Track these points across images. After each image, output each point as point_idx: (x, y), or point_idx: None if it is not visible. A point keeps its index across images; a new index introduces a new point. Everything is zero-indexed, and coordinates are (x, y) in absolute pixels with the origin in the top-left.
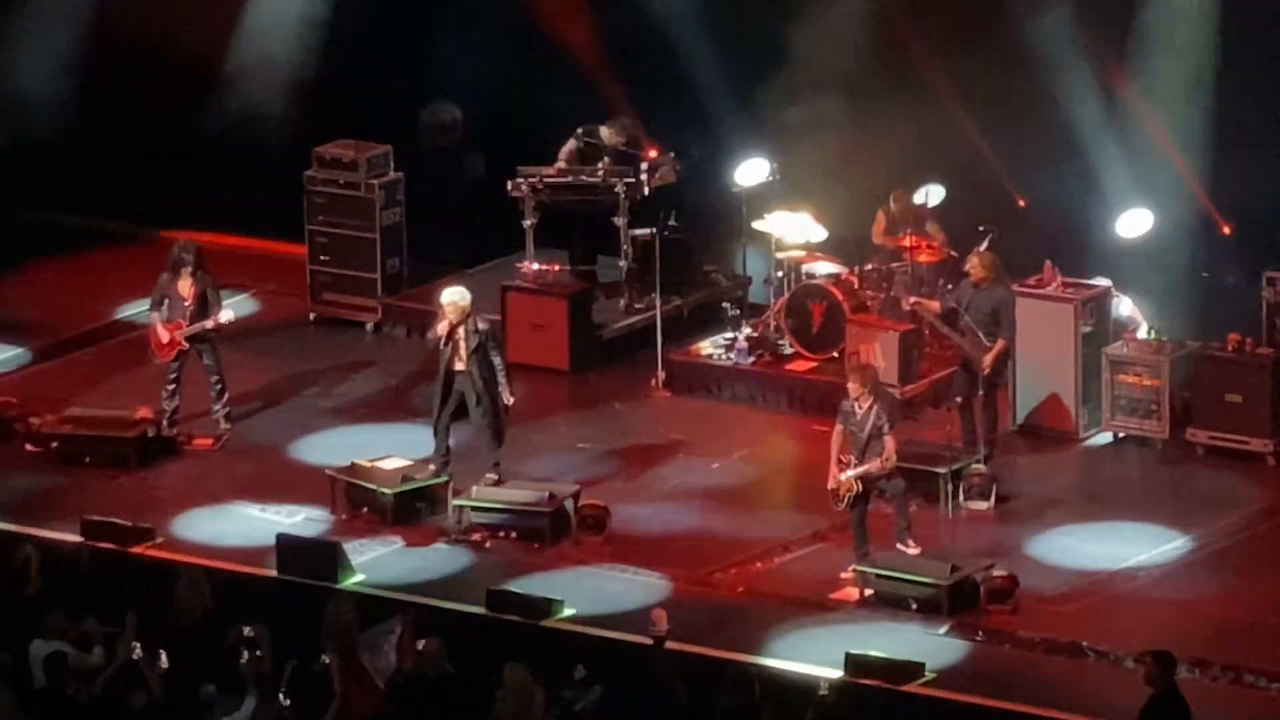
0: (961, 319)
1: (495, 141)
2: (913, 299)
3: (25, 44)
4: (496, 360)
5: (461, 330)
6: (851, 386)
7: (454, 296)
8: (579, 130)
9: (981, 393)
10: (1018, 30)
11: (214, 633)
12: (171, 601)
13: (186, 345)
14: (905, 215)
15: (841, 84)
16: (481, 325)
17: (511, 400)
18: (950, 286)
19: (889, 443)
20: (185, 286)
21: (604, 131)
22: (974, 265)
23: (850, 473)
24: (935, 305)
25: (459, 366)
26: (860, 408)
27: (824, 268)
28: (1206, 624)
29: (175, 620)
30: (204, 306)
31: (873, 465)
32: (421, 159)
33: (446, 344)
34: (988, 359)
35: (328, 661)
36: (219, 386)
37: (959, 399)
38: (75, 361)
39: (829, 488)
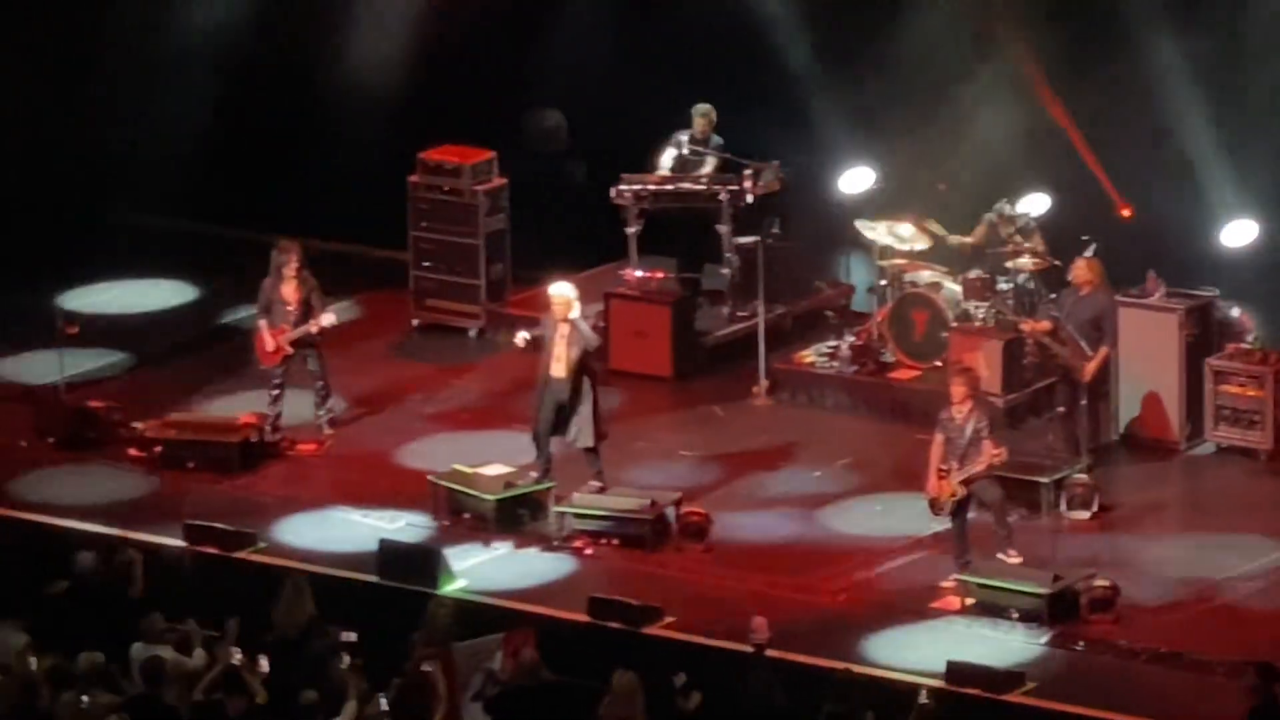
0: (1063, 329)
1: (598, 147)
2: (1026, 326)
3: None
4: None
5: (565, 330)
6: (955, 390)
7: (561, 288)
8: (681, 138)
9: (1083, 402)
10: (1124, 40)
11: (314, 638)
12: (273, 607)
13: (291, 351)
14: (1009, 224)
15: (946, 93)
16: (593, 336)
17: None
18: (1054, 297)
19: (986, 446)
20: (289, 290)
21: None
22: (1079, 270)
23: (955, 477)
24: (1046, 326)
25: (556, 373)
26: (960, 414)
27: (927, 276)
28: None
29: (276, 626)
30: (308, 312)
31: (977, 467)
32: (525, 165)
33: (545, 345)
34: (1090, 367)
35: (429, 669)
36: (323, 391)
37: (1061, 408)
38: (179, 366)
39: (929, 496)
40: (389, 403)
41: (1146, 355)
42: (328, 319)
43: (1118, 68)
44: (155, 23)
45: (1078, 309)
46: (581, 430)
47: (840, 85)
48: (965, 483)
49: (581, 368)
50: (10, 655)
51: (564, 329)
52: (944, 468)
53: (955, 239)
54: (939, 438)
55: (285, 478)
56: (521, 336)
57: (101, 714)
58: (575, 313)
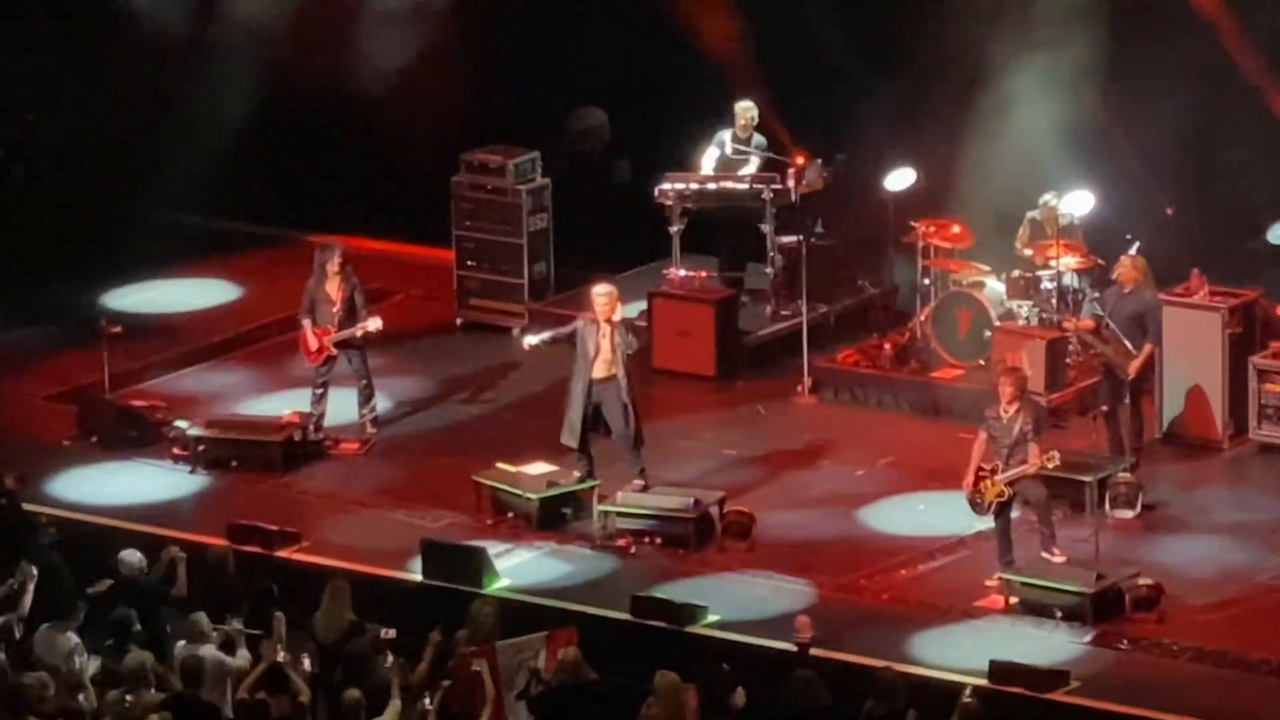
0: (1106, 326)
1: (642, 147)
2: (1070, 324)
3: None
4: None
5: (607, 330)
6: (1004, 390)
7: (606, 289)
8: (724, 137)
9: (1127, 400)
10: (1164, 37)
11: (357, 637)
12: (316, 607)
13: (335, 351)
14: (1051, 223)
15: (988, 91)
16: (633, 340)
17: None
18: (1097, 295)
19: (1033, 448)
20: (333, 289)
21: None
22: (1124, 268)
23: (1000, 477)
24: (1089, 324)
25: (601, 373)
26: (1006, 414)
27: (971, 275)
28: None
29: (317, 629)
30: (352, 310)
31: (1023, 469)
32: (569, 164)
33: (581, 346)
34: (1133, 365)
35: (476, 669)
36: (366, 391)
37: (1104, 407)
38: (222, 365)
39: (967, 495)
40: (432, 402)
41: (1190, 353)
42: (374, 324)
43: (1160, 63)
44: (198, 19)
45: (1121, 306)
46: (627, 428)
47: (884, 84)
48: (1009, 483)
49: (623, 369)
50: (60, 657)
51: (606, 329)
52: (986, 467)
53: (1024, 250)
54: (982, 436)
55: (328, 477)
56: (529, 340)
57: (142, 714)
58: (619, 314)
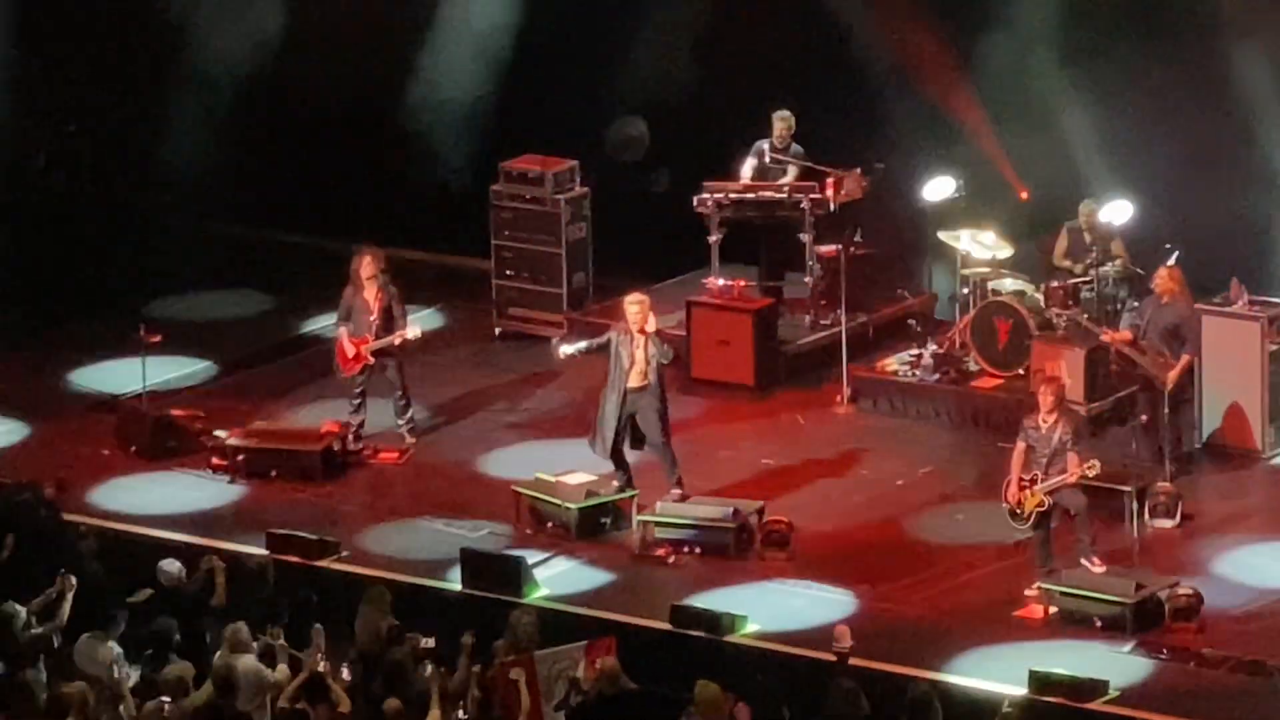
0: (1142, 337)
1: (681, 156)
2: (1106, 335)
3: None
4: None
5: (641, 341)
6: (1043, 400)
7: (639, 299)
8: (762, 146)
9: (1165, 410)
10: (1209, 45)
11: (397, 644)
12: (354, 618)
13: (371, 360)
14: (1091, 232)
15: (1027, 99)
16: (668, 349)
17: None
18: (1135, 304)
19: (1073, 458)
20: (370, 297)
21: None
22: (1161, 278)
23: (1040, 487)
24: (1127, 335)
25: (635, 383)
26: (1045, 423)
27: (1010, 284)
28: None
29: (357, 637)
30: (389, 319)
31: (1064, 479)
32: (608, 173)
33: (615, 357)
34: (1170, 376)
35: (514, 678)
36: (403, 401)
37: (1144, 417)
38: (261, 375)
39: (1007, 505)
40: (471, 411)
41: (1229, 363)
42: (413, 332)
43: (1201, 72)
44: (237, 28)
45: (1158, 317)
46: (665, 439)
47: (922, 92)
48: (1049, 493)
49: (657, 379)
50: (99, 667)
51: (639, 339)
52: (1025, 477)
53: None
54: (1021, 445)
55: (367, 486)
56: (564, 350)
57: None
58: (652, 325)
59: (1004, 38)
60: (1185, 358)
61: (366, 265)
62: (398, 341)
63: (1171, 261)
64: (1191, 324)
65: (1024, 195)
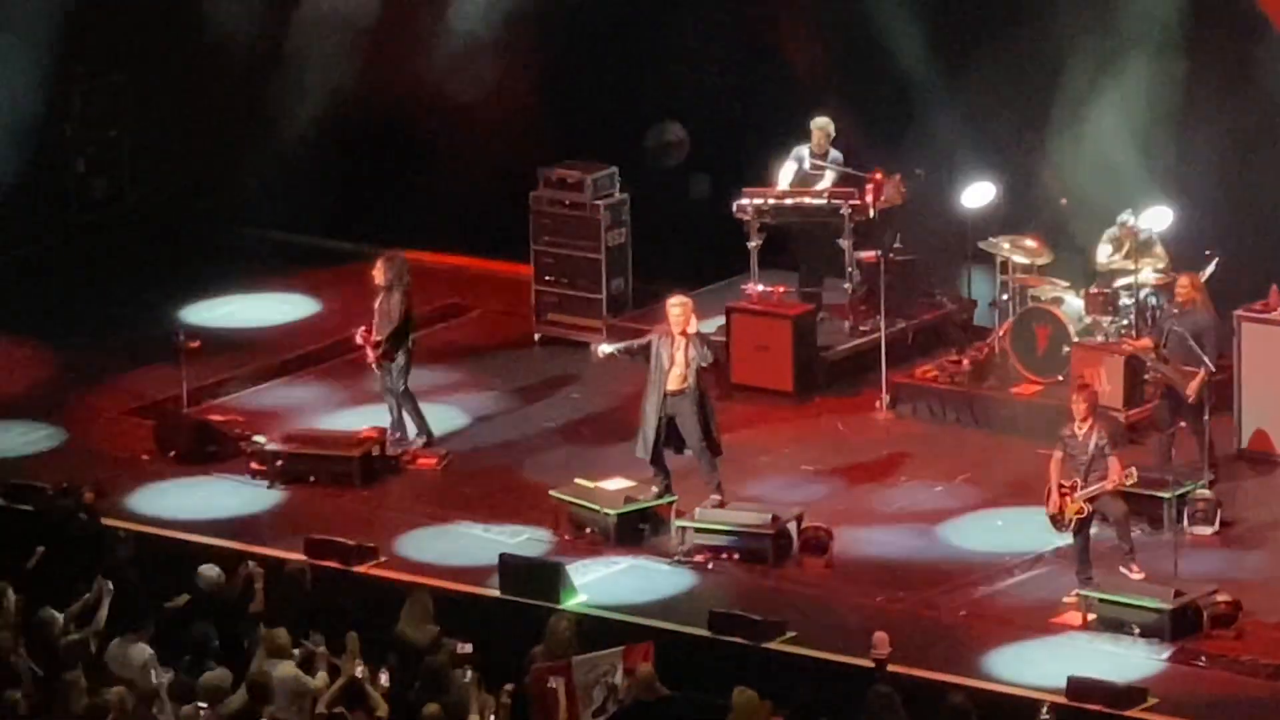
0: (1164, 346)
1: (720, 162)
2: (1129, 344)
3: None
4: (708, 403)
5: (682, 344)
6: (1077, 408)
7: (681, 301)
8: (801, 151)
9: (1181, 423)
10: (1247, 49)
11: (435, 651)
12: (394, 622)
13: (372, 357)
14: (1131, 239)
15: (1068, 105)
16: (708, 352)
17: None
18: (1175, 311)
19: (1113, 463)
20: (377, 302)
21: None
22: (1183, 287)
23: (1080, 494)
24: (1147, 343)
25: (675, 386)
26: (1081, 430)
27: (1049, 290)
28: None
29: (399, 639)
30: (387, 324)
31: (1103, 485)
32: (647, 179)
33: (656, 359)
34: (1191, 386)
35: (553, 685)
36: (393, 404)
37: (1183, 424)
38: (300, 380)
39: (1049, 513)
40: (510, 416)
41: (1268, 369)
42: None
43: (1244, 78)
44: (278, 33)
45: (1177, 324)
46: (704, 443)
47: (962, 98)
48: (1089, 500)
49: (696, 382)
50: (134, 670)
51: (680, 342)
52: (1065, 484)
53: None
54: (1058, 454)
55: (406, 492)
56: (604, 349)
57: None
58: (694, 327)
59: (1043, 42)
60: (1205, 367)
61: (376, 272)
62: (366, 342)
63: (1211, 268)
64: (1210, 333)
65: (1064, 201)
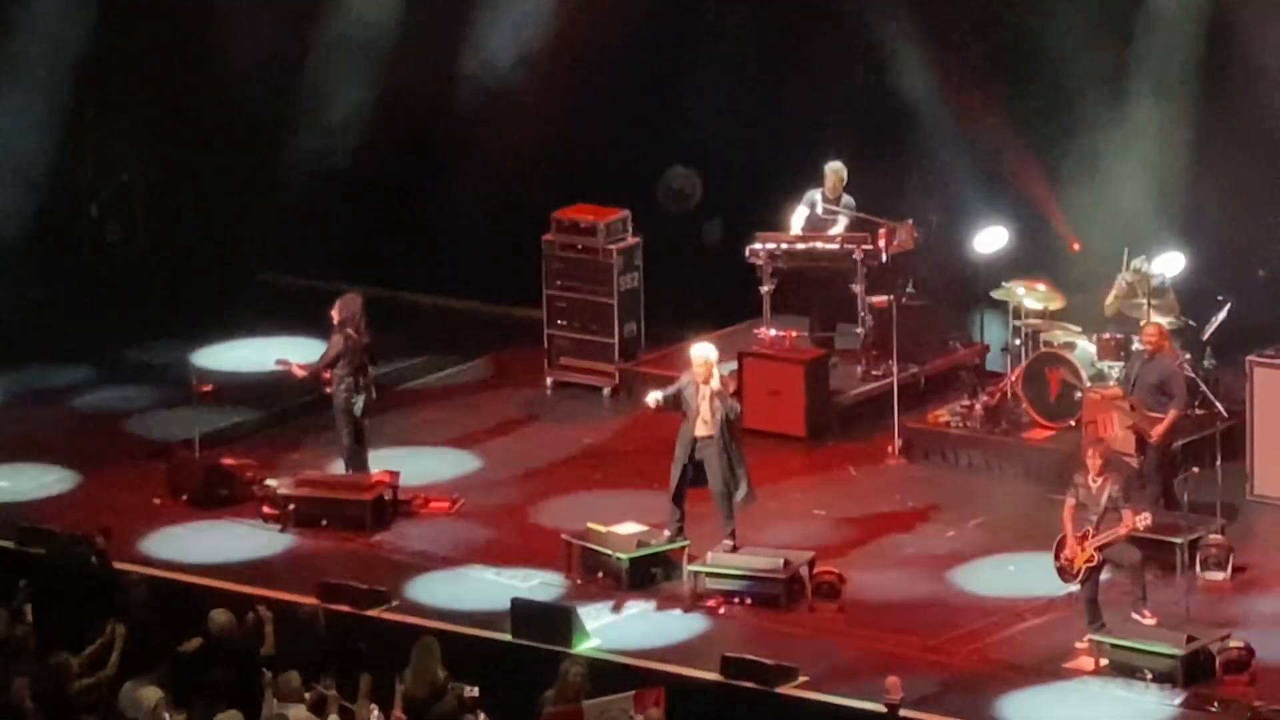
0: (1130, 392)
1: (733, 206)
2: (1095, 393)
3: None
4: (735, 451)
5: (706, 392)
6: (1092, 463)
7: (703, 351)
8: (814, 196)
9: (1150, 469)
10: (1259, 95)
11: (441, 697)
12: (406, 666)
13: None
14: (1142, 285)
15: (1078, 150)
16: (734, 404)
17: (742, 497)
18: (1188, 356)
19: (1127, 515)
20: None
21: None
22: (1149, 334)
23: (1091, 543)
24: (1116, 391)
25: (702, 432)
26: (1095, 484)
27: (1061, 335)
28: None
29: (407, 686)
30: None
31: (1116, 532)
32: (660, 224)
33: (685, 404)
34: (1159, 430)
35: None
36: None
37: (1194, 469)
38: (312, 424)
39: (1058, 564)
40: (522, 462)
41: None
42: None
43: (1256, 124)
44: (285, 80)
45: (1145, 373)
46: (744, 488)
47: (973, 144)
48: (1101, 549)
49: (723, 431)
50: (144, 712)
51: (704, 390)
52: (1078, 534)
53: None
54: (1071, 502)
55: (418, 536)
56: (654, 397)
57: None
58: (715, 382)
59: (1057, 89)
60: (1172, 413)
61: (335, 310)
62: (298, 372)
63: (1223, 314)
64: (1178, 379)
65: (1075, 246)
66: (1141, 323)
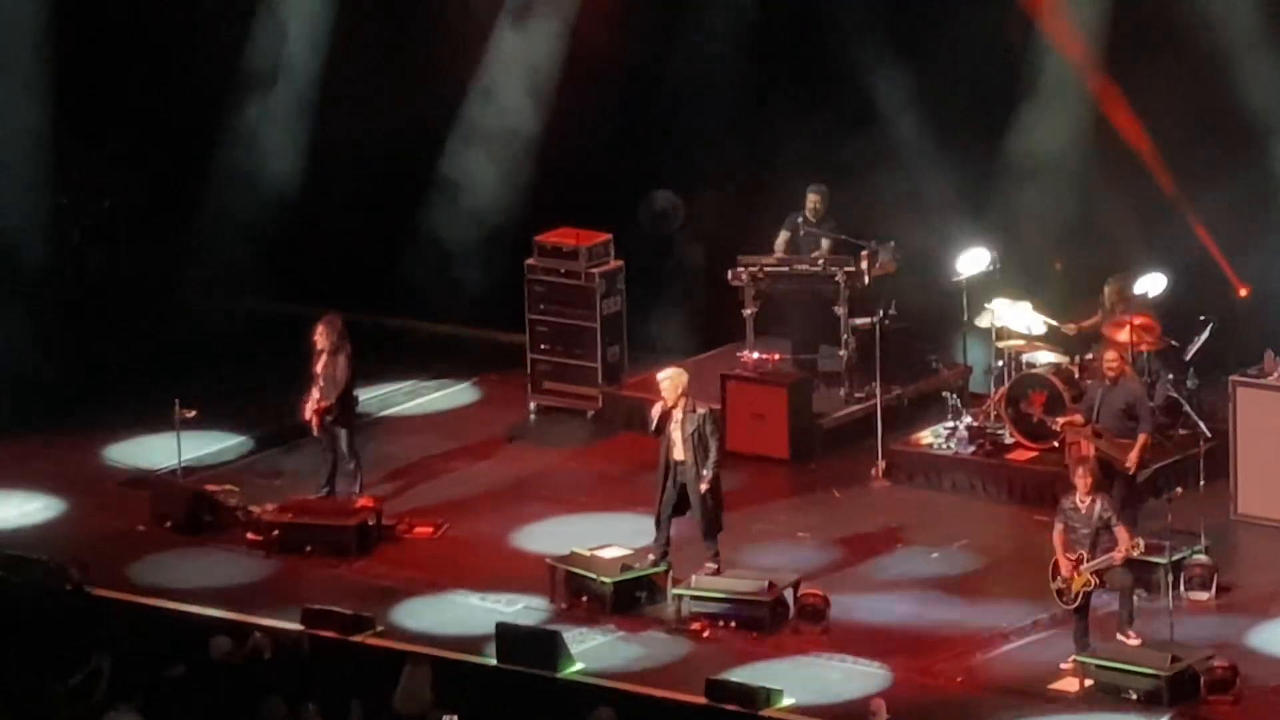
0: (1095, 420)
1: (715, 230)
2: (1058, 421)
3: (257, 134)
4: (713, 446)
5: (678, 414)
6: (1082, 482)
7: (670, 375)
8: (796, 219)
9: (1124, 493)
10: (1242, 115)
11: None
12: (391, 691)
13: (315, 424)
14: (1122, 304)
15: (1062, 173)
16: (700, 409)
17: (705, 484)
18: (1171, 376)
19: (1121, 533)
20: (320, 366)
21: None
22: (1110, 360)
23: (1087, 567)
24: (1078, 418)
25: (678, 456)
26: (1084, 503)
27: (1045, 357)
28: None
29: (396, 709)
30: (332, 388)
31: (1114, 556)
32: (642, 247)
33: (662, 430)
34: (1131, 457)
35: None
36: (349, 465)
37: (1179, 490)
38: (296, 450)
39: (1056, 586)
40: (506, 486)
41: (1265, 435)
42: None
43: (1239, 146)
44: (274, 109)
45: (1111, 399)
46: (700, 516)
47: (957, 166)
48: (1097, 572)
49: (702, 446)
50: None
51: (676, 415)
52: (1071, 557)
53: (1070, 327)
54: (1059, 527)
55: (402, 561)
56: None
57: None
58: (686, 402)
59: (1037, 109)
60: (1142, 437)
61: (318, 336)
62: (311, 410)
63: (1206, 334)
64: (1144, 402)
65: (1058, 267)
66: (1100, 350)
